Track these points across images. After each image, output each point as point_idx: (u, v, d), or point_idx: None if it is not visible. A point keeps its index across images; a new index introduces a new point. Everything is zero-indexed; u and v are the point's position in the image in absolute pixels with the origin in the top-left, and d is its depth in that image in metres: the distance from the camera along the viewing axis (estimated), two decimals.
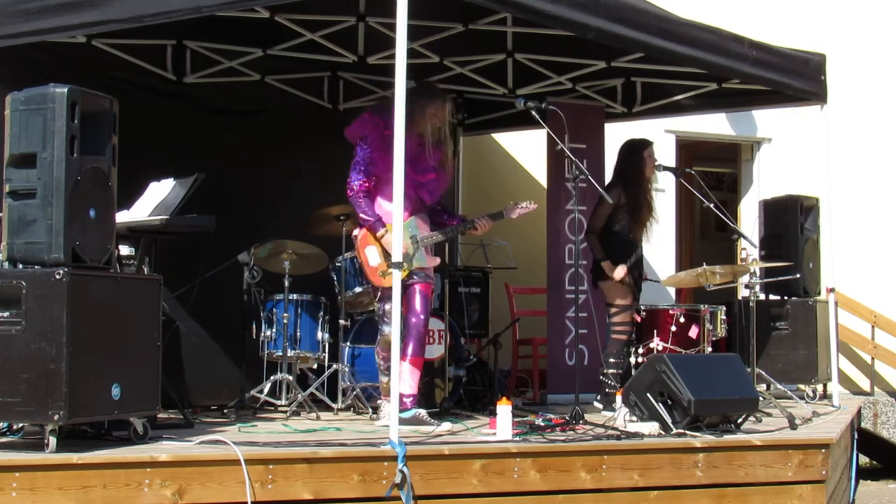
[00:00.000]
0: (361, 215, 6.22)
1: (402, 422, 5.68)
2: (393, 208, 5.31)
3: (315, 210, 7.47)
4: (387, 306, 6.11)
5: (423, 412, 6.09)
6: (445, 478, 5.06)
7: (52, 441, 4.77)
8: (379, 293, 6.25)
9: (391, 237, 5.74)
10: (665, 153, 9.81)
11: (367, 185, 6.20)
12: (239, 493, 4.75)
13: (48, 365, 4.76)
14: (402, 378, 5.96)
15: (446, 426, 5.96)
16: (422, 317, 6.20)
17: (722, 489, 5.56)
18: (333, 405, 7.12)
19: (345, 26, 7.67)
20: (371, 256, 6.23)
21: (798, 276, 8.63)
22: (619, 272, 7.41)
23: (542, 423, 6.09)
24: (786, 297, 8.83)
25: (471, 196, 9.39)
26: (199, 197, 6.09)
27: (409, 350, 6.14)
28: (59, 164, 4.86)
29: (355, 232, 6.38)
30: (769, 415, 6.71)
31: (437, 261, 6.44)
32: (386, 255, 6.10)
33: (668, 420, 5.85)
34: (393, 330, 5.20)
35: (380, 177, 6.17)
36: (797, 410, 7.05)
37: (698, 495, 5.52)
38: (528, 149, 10.19)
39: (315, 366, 7.51)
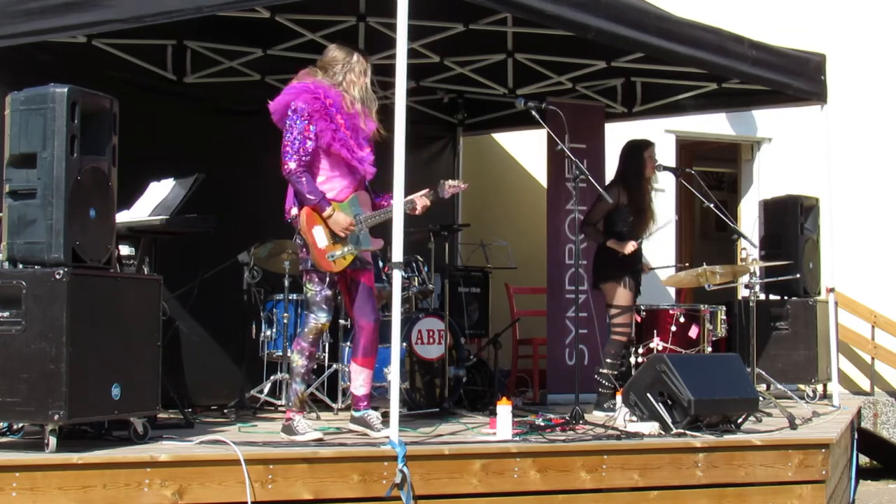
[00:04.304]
0: (307, 195, 5.51)
1: (353, 420, 5.75)
2: (394, 205, 5.28)
3: None
4: (327, 292, 5.63)
5: (372, 414, 5.72)
6: (445, 478, 5.06)
7: (52, 441, 4.77)
8: (314, 276, 5.62)
9: (340, 217, 5.57)
10: (665, 153, 9.79)
11: (306, 161, 5.55)
12: (239, 492, 4.75)
13: (48, 365, 4.77)
14: (356, 379, 5.77)
15: (386, 432, 5.27)
16: (372, 317, 5.70)
17: (722, 489, 5.56)
18: (333, 405, 7.13)
19: (345, 26, 7.66)
20: (319, 238, 5.57)
21: (798, 276, 8.63)
22: (630, 246, 7.34)
23: (542, 423, 6.09)
24: (786, 297, 8.82)
25: (471, 196, 9.35)
26: (199, 197, 6.09)
27: (360, 351, 5.74)
28: (59, 164, 4.86)
29: (294, 212, 5.67)
30: (769, 415, 6.71)
31: (381, 243, 5.86)
32: (333, 236, 5.60)
33: (668, 420, 5.85)
34: (394, 329, 5.17)
35: (320, 150, 5.59)
36: (797, 410, 7.05)
37: (698, 495, 5.52)
38: (528, 149, 10.18)
39: (315, 366, 7.50)
